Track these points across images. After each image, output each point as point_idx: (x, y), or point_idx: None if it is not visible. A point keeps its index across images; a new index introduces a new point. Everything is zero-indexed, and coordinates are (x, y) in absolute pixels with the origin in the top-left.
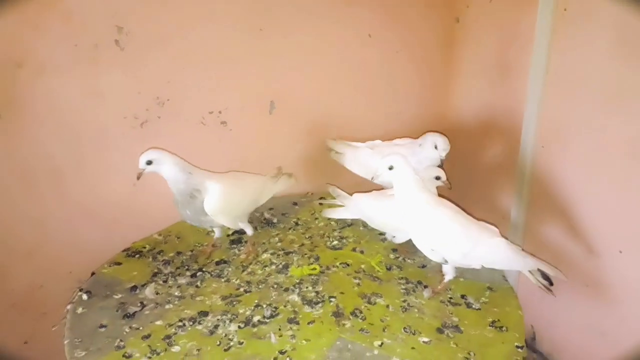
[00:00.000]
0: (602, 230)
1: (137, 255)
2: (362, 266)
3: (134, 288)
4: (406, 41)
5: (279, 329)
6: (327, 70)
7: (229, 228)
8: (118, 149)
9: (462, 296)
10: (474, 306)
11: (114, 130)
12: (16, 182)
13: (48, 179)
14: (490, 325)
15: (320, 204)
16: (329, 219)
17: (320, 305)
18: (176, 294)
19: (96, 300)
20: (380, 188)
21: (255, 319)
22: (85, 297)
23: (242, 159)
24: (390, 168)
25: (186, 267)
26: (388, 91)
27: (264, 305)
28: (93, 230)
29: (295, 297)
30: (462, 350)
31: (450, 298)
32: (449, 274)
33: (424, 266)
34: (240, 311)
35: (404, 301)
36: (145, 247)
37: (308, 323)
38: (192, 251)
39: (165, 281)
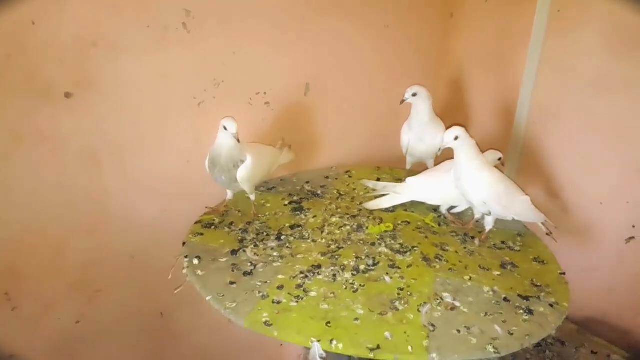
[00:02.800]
0: (585, 188)
1: (213, 227)
2: (419, 223)
3: (234, 252)
4: (411, 32)
5: (387, 273)
6: (352, 57)
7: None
8: (176, 128)
9: (502, 242)
10: (515, 249)
11: (174, 110)
12: (79, 160)
13: (109, 157)
14: (534, 261)
15: (361, 203)
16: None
17: (408, 253)
18: (275, 254)
19: (206, 263)
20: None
21: (362, 267)
22: (196, 261)
23: (281, 136)
24: (456, 138)
25: (265, 233)
26: (396, 78)
27: (363, 257)
28: (150, 207)
29: (384, 249)
30: (525, 279)
31: (494, 244)
32: (489, 225)
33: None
34: (345, 263)
35: (465, 248)
36: (214, 220)
37: (407, 267)
38: (259, 221)
39: (255, 245)
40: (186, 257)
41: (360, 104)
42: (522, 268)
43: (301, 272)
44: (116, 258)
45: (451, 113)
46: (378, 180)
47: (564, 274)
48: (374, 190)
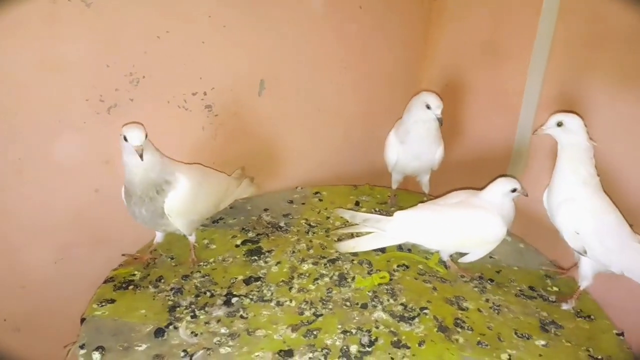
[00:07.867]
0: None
1: (131, 287)
2: (420, 266)
3: (160, 332)
4: (386, 15)
5: (392, 358)
6: (320, 46)
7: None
8: (75, 144)
9: (530, 287)
10: (549, 298)
11: (72, 117)
12: None
13: None
14: (578, 316)
15: (339, 239)
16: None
17: (417, 320)
18: (222, 331)
19: (114, 356)
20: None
21: (353, 349)
22: (97, 356)
23: (230, 152)
24: (559, 124)
25: (208, 292)
26: (372, 72)
27: (353, 331)
28: (37, 258)
29: (382, 315)
30: (578, 348)
31: (521, 290)
32: (586, 279)
33: None
34: (328, 342)
35: (487, 301)
36: (134, 275)
37: (418, 344)
38: (200, 272)
39: (194, 316)
40: (82, 346)
41: (330, 105)
42: (567, 329)
43: None
44: None
45: None
46: (357, 204)
47: (622, 334)
48: (349, 223)
